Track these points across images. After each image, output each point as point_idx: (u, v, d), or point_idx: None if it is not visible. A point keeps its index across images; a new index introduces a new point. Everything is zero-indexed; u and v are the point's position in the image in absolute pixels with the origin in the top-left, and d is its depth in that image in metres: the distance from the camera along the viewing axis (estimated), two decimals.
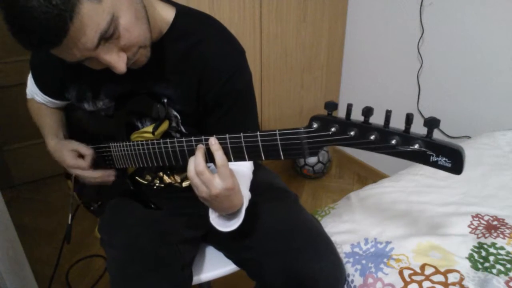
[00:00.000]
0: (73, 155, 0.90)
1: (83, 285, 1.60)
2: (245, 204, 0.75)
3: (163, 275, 0.81)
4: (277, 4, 1.86)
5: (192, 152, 0.70)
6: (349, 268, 0.85)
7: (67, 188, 1.08)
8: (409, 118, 0.53)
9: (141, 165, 0.83)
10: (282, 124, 2.15)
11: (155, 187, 0.99)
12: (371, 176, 2.23)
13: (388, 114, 0.54)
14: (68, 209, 1.03)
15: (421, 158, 0.53)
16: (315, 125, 0.58)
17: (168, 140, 0.74)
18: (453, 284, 0.75)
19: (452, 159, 0.51)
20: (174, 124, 0.88)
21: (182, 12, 0.80)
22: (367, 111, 0.54)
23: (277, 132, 0.61)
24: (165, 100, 0.84)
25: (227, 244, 0.95)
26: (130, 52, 0.69)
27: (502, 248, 0.83)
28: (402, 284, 0.77)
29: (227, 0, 1.71)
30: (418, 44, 1.80)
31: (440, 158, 0.52)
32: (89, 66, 0.70)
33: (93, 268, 1.68)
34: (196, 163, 0.67)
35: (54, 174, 2.33)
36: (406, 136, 0.53)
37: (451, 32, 1.68)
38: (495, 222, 0.92)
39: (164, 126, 0.87)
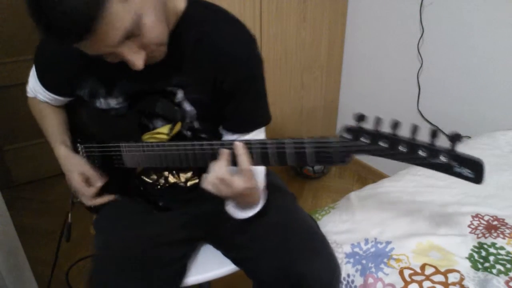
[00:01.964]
0: (82, 179, 0.91)
1: (83, 285, 1.60)
2: (262, 198, 0.80)
3: (141, 277, 0.82)
4: (277, 4, 1.86)
5: (213, 156, 0.73)
6: (350, 269, 0.85)
7: (66, 187, 1.07)
8: (434, 133, 0.58)
9: (157, 166, 0.84)
10: (282, 123, 2.15)
11: (158, 186, 0.99)
12: (371, 176, 2.23)
13: (414, 128, 0.59)
14: (68, 208, 1.03)
15: (446, 168, 0.59)
16: (347, 136, 0.62)
17: (189, 142, 0.76)
18: (453, 284, 0.75)
19: (474, 170, 0.58)
20: (188, 120, 0.87)
21: (193, 2, 0.81)
22: (395, 125, 0.59)
23: (308, 140, 0.65)
24: (181, 96, 0.84)
25: (225, 242, 0.95)
26: (149, 50, 0.70)
27: (502, 248, 0.83)
28: (403, 284, 0.77)
29: (227, 0, 1.71)
30: (418, 44, 1.80)
31: (463, 170, 0.58)
32: (105, 60, 0.71)
33: None
34: (217, 170, 0.71)
35: (54, 174, 2.33)
36: (433, 149, 0.58)
37: (451, 32, 1.68)
38: (495, 222, 0.92)
39: (178, 127, 0.88)
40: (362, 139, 0.60)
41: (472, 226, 0.91)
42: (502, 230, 0.88)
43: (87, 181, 0.92)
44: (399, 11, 1.86)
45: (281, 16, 1.90)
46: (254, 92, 0.86)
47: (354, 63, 2.22)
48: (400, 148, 0.59)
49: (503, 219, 0.93)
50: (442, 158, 0.58)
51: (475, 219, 0.93)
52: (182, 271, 0.91)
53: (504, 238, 0.85)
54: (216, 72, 0.81)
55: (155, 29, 0.68)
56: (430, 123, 1.87)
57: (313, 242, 0.85)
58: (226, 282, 1.19)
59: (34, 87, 0.96)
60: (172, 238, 0.90)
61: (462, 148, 1.32)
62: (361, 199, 1.09)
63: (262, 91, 0.88)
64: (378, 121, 0.59)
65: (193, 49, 0.80)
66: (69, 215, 0.98)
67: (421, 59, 1.82)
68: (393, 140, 0.59)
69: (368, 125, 0.60)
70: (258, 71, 0.84)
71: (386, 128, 0.60)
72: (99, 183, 0.92)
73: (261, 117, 0.88)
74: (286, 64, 2.03)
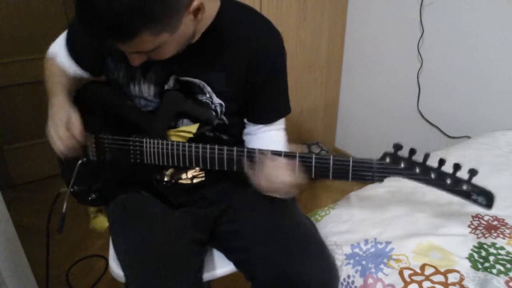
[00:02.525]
0: (66, 124, 0.86)
1: (83, 285, 1.60)
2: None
3: (184, 274, 0.81)
4: (277, 4, 1.86)
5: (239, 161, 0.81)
6: (350, 270, 0.85)
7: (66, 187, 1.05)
8: (457, 166, 0.72)
9: (182, 165, 0.87)
10: None
11: (163, 183, 0.98)
12: None
13: (441, 163, 0.72)
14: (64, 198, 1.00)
15: (464, 195, 0.74)
16: (387, 159, 0.74)
17: (241, 148, 0.82)
18: (453, 284, 0.75)
19: (487, 199, 0.74)
20: (216, 121, 0.91)
21: (226, 3, 0.85)
22: (426, 156, 0.72)
23: (351, 159, 0.75)
24: (211, 90, 0.88)
25: (226, 245, 0.96)
26: (150, 58, 0.77)
27: (502, 248, 0.83)
28: (402, 284, 0.77)
29: None
30: (418, 44, 1.80)
31: (479, 197, 0.74)
32: None
33: (93, 268, 1.68)
34: (294, 178, 0.77)
35: (54, 174, 2.33)
36: (457, 179, 0.73)
37: (451, 32, 1.68)
38: (495, 222, 0.92)
39: (204, 127, 0.92)
40: (401, 164, 0.73)
41: (472, 226, 0.91)
42: (502, 230, 0.88)
43: (68, 130, 0.86)
44: (399, 11, 1.86)
45: (281, 16, 1.90)
46: (281, 85, 0.94)
47: (354, 63, 2.21)
48: (431, 175, 0.73)
49: (503, 219, 0.93)
50: (464, 187, 0.73)
51: (475, 219, 0.93)
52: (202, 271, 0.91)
53: (504, 238, 0.85)
54: (249, 67, 0.85)
55: (167, 55, 0.76)
56: (430, 123, 1.87)
57: (311, 246, 0.85)
58: (226, 282, 1.19)
59: (57, 52, 0.96)
60: (190, 237, 0.90)
61: (462, 148, 1.32)
62: (361, 199, 1.09)
63: (286, 83, 0.95)
64: (412, 151, 0.72)
65: (227, 45, 0.85)
66: (65, 204, 0.96)
67: (421, 59, 1.82)
68: (426, 168, 0.72)
69: (404, 153, 0.73)
70: (284, 65, 0.92)
71: (418, 158, 0.73)
72: (80, 137, 0.86)
73: (285, 108, 0.96)
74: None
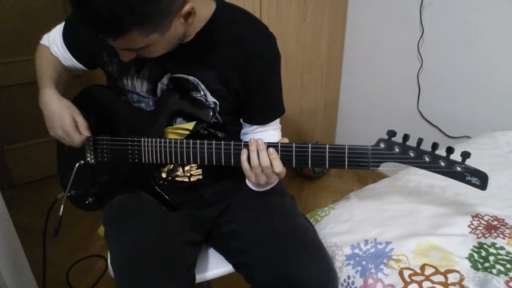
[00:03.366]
0: (73, 122, 0.90)
1: (83, 285, 1.60)
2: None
3: (171, 276, 0.81)
4: (277, 4, 1.86)
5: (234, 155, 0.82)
6: (350, 270, 0.85)
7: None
8: (450, 149, 0.73)
9: (181, 162, 0.88)
10: (282, 123, 2.14)
11: (161, 182, 0.98)
12: (371, 176, 2.23)
13: (434, 147, 0.74)
14: (61, 201, 1.00)
15: (459, 176, 0.75)
16: (382, 145, 0.75)
17: (222, 142, 0.83)
18: (453, 284, 0.75)
19: (481, 179, 0.75)
20: (212, 120, 0.92)
21: (222, 6, 0.86)
22: (420, 141, 0.74)
23: (346, 147, 0.76)
24: (205, 89, 0.89)
25: (225, 246, 0.96)
26: (140, 56, 0.79)
27: (502, 248, 0.83)
28: (402, 284, 0.76)
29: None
30: (418, 44, 1.80)
31: (472, 178, 0.75)
32: None
33: (93, 268, 1.68)
34: (279, 167, 0.79)
35: (54, 174, 2.33)
36: (450, 161, 0.74)
37: (451, 32, 1.68)
38: (495, 222, 0.92)
39: (200, 124, 0.93)
40: (395, 149, 0.74)
41: (472, 226, 0.91)
42: (502, 230, 0.88)
43: (75, 128, 0.90)
44: (399, 11, 1.86)
45: (281, 16, 1.90)
46: (276, 86, 0.95)
47: (354, 63, 2.22)
48: (426, 158, 0.74)
49: (503, 219, 0.93)
50: (458, 168, 0.74)
51: (475, 219, 0.93)
52: (193, 271, 0.91)
53: (504, 238, 0.85)
54: (243, 68, 0.86)
55: (156, 54, 0.78)
56: (430, 123, 1.87)
57: (309, 249, 0.85)
58: (226, 282, 1.20)
59: (54, 39, 0.98)
60: (183, 239, 0.90)
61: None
62: (361, 199, 1.09)
63: (280, 85, 0.96)
64: (405, 137, 0.73)
65: (221, 46, 0.85)
66: (61, 207, 0.96)
67: (421, 59, 1.82)
68: (420, 151, 0.74)
69: (398, 139, 0.75)
70: (279, 67, 0.93)
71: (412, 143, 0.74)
72: (87, 132, 0.91)
73: (280, 109, 0.98)
74: (286, 64, 2.03)
